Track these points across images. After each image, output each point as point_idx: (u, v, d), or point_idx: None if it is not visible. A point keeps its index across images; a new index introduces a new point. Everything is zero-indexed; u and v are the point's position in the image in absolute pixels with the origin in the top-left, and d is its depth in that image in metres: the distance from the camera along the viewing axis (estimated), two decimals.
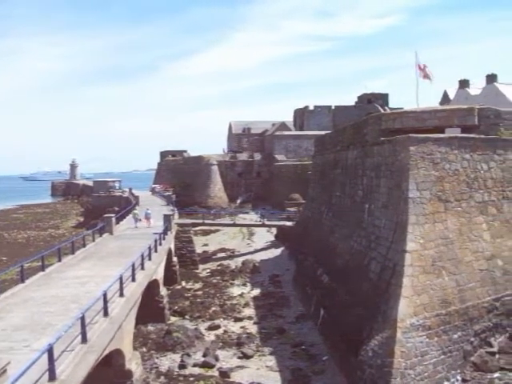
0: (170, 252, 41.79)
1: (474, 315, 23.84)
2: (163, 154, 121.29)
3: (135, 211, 52.79)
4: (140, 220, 49.52)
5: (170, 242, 42.10)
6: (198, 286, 44.18)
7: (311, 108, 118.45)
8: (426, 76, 37.78)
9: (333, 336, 27.94)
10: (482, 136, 28.49)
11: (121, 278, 22.74)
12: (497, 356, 23.74)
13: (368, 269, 27.02)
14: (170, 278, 41.21)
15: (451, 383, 21.99)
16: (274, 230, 64.38)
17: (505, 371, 22.72)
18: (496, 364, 23.14)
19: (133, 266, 25.78)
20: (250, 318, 34.99)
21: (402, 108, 62.00)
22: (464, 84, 68.67)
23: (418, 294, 22.76)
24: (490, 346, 24.18)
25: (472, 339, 23.54)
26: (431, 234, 24.76)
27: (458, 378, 22.32)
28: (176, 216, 55.69)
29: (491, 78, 62.52)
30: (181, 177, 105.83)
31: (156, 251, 34.02)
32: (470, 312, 23.73)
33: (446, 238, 25.09)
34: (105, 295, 19.78)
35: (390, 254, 25.05)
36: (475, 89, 66.72)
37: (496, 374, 22.53)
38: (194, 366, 27.04)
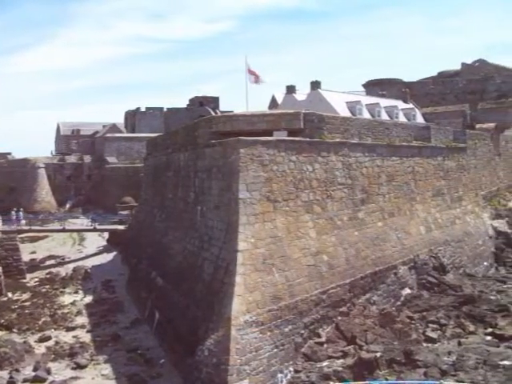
0: None
1: (304, 308, 25.03)
2: None
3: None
4: None
5: None
6: (25, 296, 41.73)
7: (143, 110, 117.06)
8: (257, 80, 39.16)
9: (169, 338, 27.91)
10: (307, 139, 29.90)
11: None
12: (325, 346, 25.14)
13: (202, 269, 27.30)
14: None
15: (284, 375, 22.93)
16: (106, 235, 62.79)
17: (333, 359, 24.14)
18: (325, 353, 24.50)
19: None
20: (82, 326, 33.79)
21: (232, 111, 63.50)
22: (291, 89, 71.90)
23: (251, 291, 23.39)
24: (319, 336, 25.58)
25: (302, 331, 24.73)
26: (261, 233, 25.57)
27: (291, 369, 23.34)
28: None
29: (315, 85, 66.25)
30: (4, 181, 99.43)
31: None
32: (300, 306, 24.86)
33: (276, 237, 26.05)
34: None
35: (223, 254, 25.47)
36: (301, 94, 70.21)
37: (325, 363, 23.83)
38: (25, 381, 25.48)
